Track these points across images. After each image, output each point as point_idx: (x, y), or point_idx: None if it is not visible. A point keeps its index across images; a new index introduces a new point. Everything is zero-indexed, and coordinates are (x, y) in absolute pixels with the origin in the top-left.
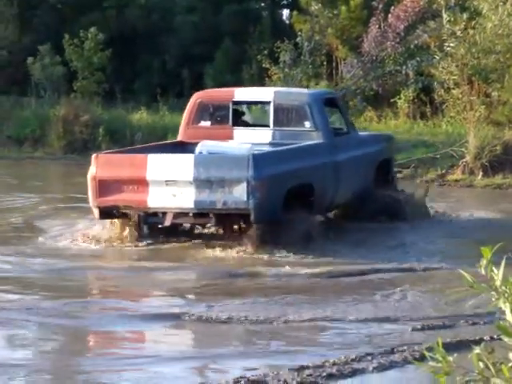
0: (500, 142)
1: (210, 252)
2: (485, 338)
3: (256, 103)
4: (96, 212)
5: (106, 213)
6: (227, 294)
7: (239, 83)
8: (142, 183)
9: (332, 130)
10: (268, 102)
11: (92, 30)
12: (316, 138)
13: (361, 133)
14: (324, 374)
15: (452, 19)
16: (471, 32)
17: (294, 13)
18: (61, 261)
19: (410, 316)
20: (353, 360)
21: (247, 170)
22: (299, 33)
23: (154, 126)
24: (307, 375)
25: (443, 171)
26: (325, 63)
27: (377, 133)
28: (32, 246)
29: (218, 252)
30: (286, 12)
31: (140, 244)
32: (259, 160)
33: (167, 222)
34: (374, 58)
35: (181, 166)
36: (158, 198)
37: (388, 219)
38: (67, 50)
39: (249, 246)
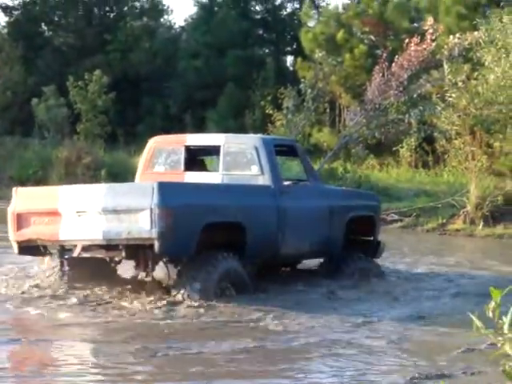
0: (501, 192)
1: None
2: None
3: (207, 148)
4: (15, 247)
5: (25, 248)
6: None
7: (242, 129)
8: (55, 215)
9: (280, 176)
10: (218, 147)
11: (97, 72)
12: (262, 183)
13: (335, 187)
14: None
15: (454, 70)
16: (473, 83)
17: (298, 59)
18: None
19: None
20: None
21: (151, 198)
22: (303, 79)
23: None
24: None
25: (444, 220)
26: (328, 110)
27: (353, 189)
28: None
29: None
30: (289, 59)
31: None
32: (165, 188)
33: (75, 254)
34: (377, 106)
35: (91, 195)
36: (70, 230)
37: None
38: (71, 91)
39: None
